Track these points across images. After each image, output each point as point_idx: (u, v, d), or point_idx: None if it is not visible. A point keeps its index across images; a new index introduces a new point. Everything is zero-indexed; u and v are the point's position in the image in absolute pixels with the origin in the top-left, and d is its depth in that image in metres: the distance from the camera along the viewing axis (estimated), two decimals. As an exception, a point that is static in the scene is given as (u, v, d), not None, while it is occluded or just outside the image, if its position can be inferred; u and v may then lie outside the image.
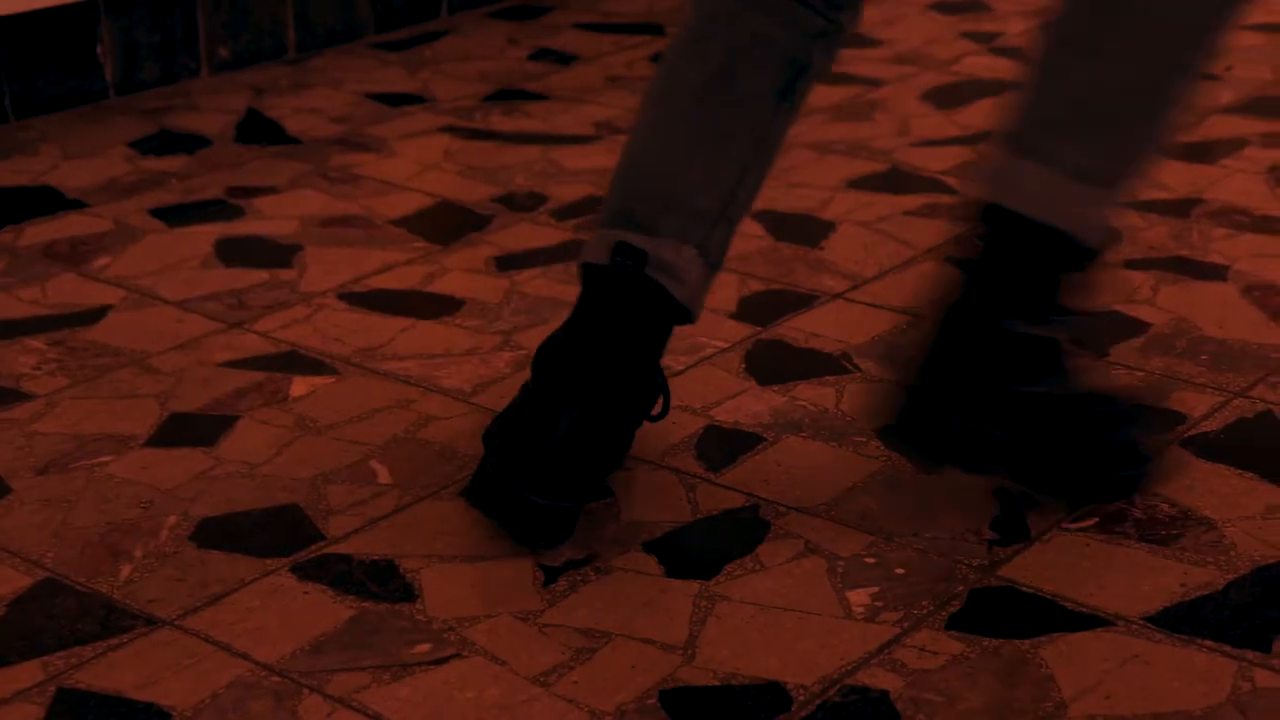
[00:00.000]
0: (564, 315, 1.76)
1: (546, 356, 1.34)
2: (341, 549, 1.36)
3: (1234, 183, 2.06)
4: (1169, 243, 1.90)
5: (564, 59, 2.63)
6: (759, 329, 1.74)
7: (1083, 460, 1.37)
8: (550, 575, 1.32)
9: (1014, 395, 1.33)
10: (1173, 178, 2.08)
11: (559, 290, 1.83)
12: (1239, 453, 1.47)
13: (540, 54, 2.65)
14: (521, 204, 2.07)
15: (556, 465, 1.30)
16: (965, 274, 1.36)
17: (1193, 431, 1.51)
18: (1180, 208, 1.99)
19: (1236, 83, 2.40)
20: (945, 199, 2.05)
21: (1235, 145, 2.17)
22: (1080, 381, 1.36)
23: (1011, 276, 1.32)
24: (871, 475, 1.46)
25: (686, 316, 1.37)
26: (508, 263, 1.91)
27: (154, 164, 2.19)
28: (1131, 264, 1.85)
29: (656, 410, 1.45)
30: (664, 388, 1.39)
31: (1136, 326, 1.71)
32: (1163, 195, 2.03)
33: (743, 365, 1.66)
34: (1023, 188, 1.30)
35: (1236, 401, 1.55)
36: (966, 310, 1.35)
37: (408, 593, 1.30)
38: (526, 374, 1.63)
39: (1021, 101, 1.32)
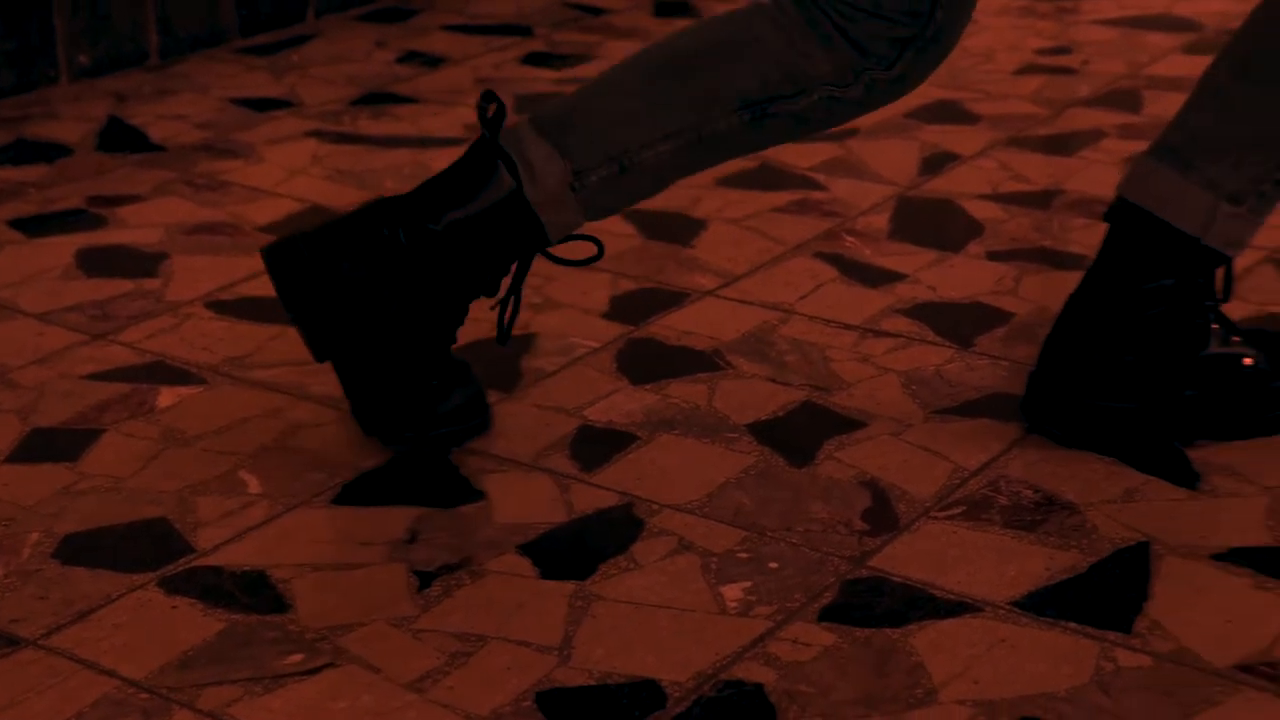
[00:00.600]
0: (435, 319, 1.75)
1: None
2: (211, 561, 1.34)
3: (1092, 173, 2.10)
4: (1031, 234, 1.94)
5: (432, 61, 2.62)
6: (631, 328, 1.74)
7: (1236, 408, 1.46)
8: (424, 580, 1.32)
9: (1141, 367, 1.44)
10: (1033, 170, 2.12)
11: (430, 294, 1.82)
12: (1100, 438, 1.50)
13: (409, 56, 2.64)
14: (391, 208, 2.05)
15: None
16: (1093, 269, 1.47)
17: (1056, 418, 1.54)
18: (1041, 199, 2.03)
19: (1092, 76, 2.45)
20: (815, 195, 2.07)
21: (1093, 137, 2.22)
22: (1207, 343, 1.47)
23: (1136, 270, 1.43)
24: (744, 471, 1.47)
25: (533, 219, 1.40)
26: (377, 267, 1.89)
27: (11, 174, 2.15)
28: (994, 255, 1.88)
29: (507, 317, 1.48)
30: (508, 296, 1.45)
31: (1000, 316, 1.74)
32: (1023, 187, 2.07)
33: (615, 364, 1.67)
34: (1156, 190, 1.41)
35: (1098, 388, 1.58)
36: (1088, 299, 1.45)
37: (279, 603, 1.29)
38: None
39: (1179, 113, 1.44)
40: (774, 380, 1.63)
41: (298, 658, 1.22)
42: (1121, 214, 1.45)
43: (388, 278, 1.41)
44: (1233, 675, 1.18)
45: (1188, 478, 1.43)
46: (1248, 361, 1.47)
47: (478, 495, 1.43)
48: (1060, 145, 2.20)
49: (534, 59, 2.64)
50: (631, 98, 1.39)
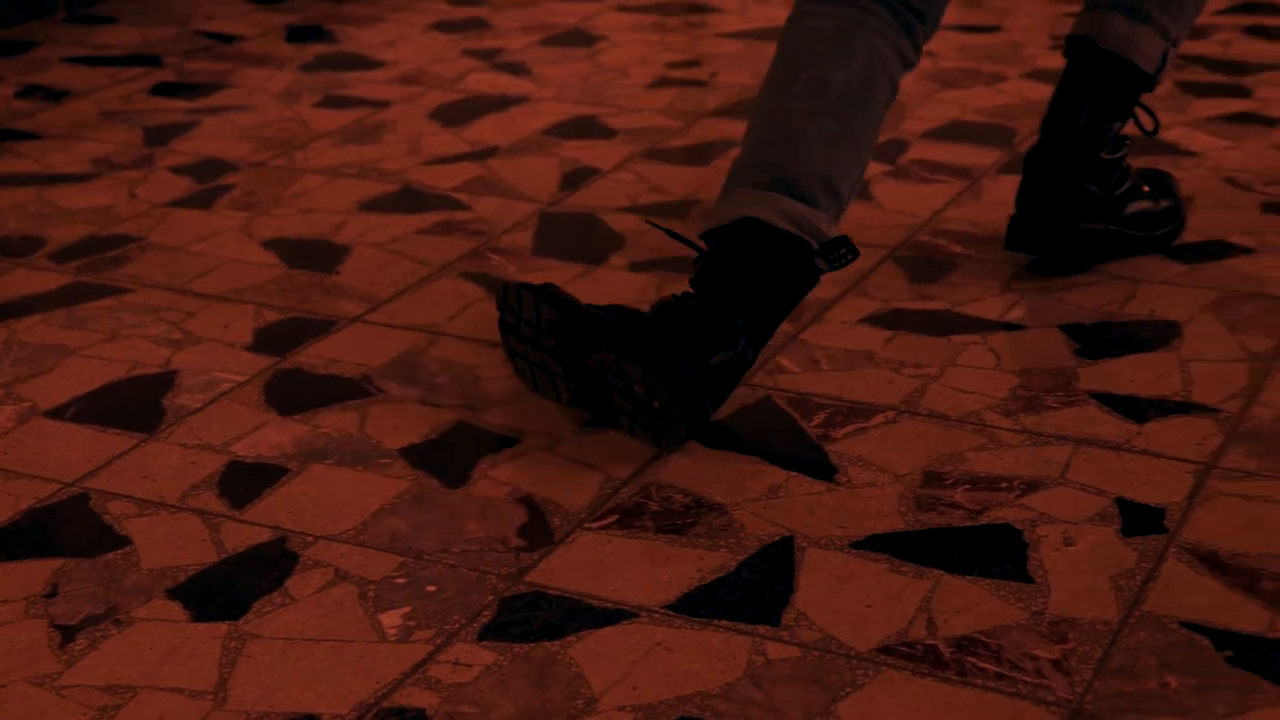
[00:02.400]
0: (71, 363, 1.69)
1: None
2: None
3: (726, 183, 2.17)
4: (669, 243, 1.99)
5: (55, 95, 2.52)
6: (277, 359, 1.72)
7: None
8: (67, 635, 1.27)
9: (1103, 196, 1.81)
10: (670, 181, 2.17)
11: (62, 336, 1.75)
12: (744, 439, 1.55)
13: (28, 91, 2.53)
14: (15, 249, 1.97)
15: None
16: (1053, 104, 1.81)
17: (701, 422, 1.58)
18: (679, 209, 2.08)
19: (722, 88, 2.53)
20: (458, 215, 2.08)
21: (725, 147, 2.29)
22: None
23: (1096, 97, 1.78)
24: (399, 496, 1.46)
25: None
26: (4, 311, 1.81)
27: None
28: (636, 266, 1.92)
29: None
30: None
31: (644, 326, 1.78)
32: (662, 198, 2.12)
33: (262, 397, 1.64)
34: (1113, 32, 1.78)
35: (740, 390, 1.64)
36: (1055, 142, 1.79)
37: (-90, 672, 1.22)
38: (45, 432, 1.57)
39: None
40: (425, 403, 1.63)
41: (-68, 728, 1.16)
42: (1085, 56, 1.78)
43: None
44: (874, 658, 1.24)
45: (826, 471, 1.49)
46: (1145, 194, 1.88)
47: (122, 541, 1.39)
48: (695, 156, 2.26)
49: (164, 89, 2.57)
50: (841, 147, 1.60)
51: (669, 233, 1.59)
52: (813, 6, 1.64)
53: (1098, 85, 1.78)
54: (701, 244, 1.59)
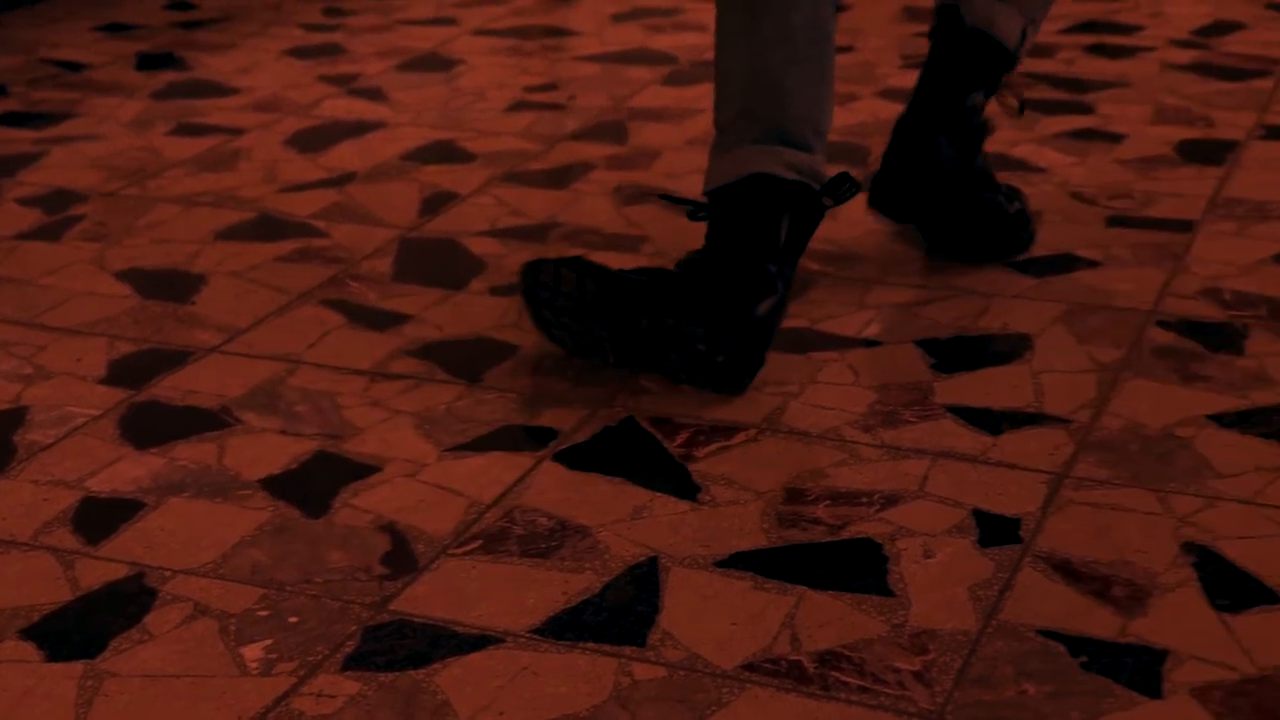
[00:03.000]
0: (-86, 400, 1.65)
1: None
2: None
3: (585, 205, 2.17)
4: (531, 267, 1.99)
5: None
6: (132, 392, 1.69)
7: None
8: (-84, 680, 1.24)
9: (962, 166, 1.91)
10: (529, 204, 2.17)
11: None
12: (607, 460, 1.55)
13: None
14: None
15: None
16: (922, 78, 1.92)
17: (564, 445, 1.58)
18: (538, 232, 2.09)
19: (580, 111, 2.54)
20: (316, 243, 2.06)
21: (583, 169, 2.30)
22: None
23: (957, 67, 1.89)
24: (259, 527, 1.45)
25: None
26: None
27: None
28: (497, 290, 1.92)
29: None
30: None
31: (506, 350, 1.78)
32: (521, 222, 2.12)
33: (117, 431, 1.61)
34: (976, 9, 1.88)
35: (602, 412, 1.64)
36: (923, 110, 1.89)
37: None
38: (-126, 467, 1.52)
39: None
40: (285, 432, 1.61)
41: None
42: (953, 34, 1.89)
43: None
44: (739, 675, 1.25)
45: (689, 490, 1.50)
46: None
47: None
48: (554, 179, 2.26)
49: (10, 119, 2.52)
50: (818, 86, 1.70)
51: (669, 198, 1.70)
52: None
53: (960, 56, 1.90)
54: (702, 201, 1.73)
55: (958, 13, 1.89)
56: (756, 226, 1.65)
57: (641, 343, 1.65)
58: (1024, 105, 1.95)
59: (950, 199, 1.91)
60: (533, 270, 1.67)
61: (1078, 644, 1.27)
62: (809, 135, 1.69)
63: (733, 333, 1.61)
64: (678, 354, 1.63)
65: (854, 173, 2.24)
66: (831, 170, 1.77)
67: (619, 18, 3.04)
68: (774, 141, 1.68)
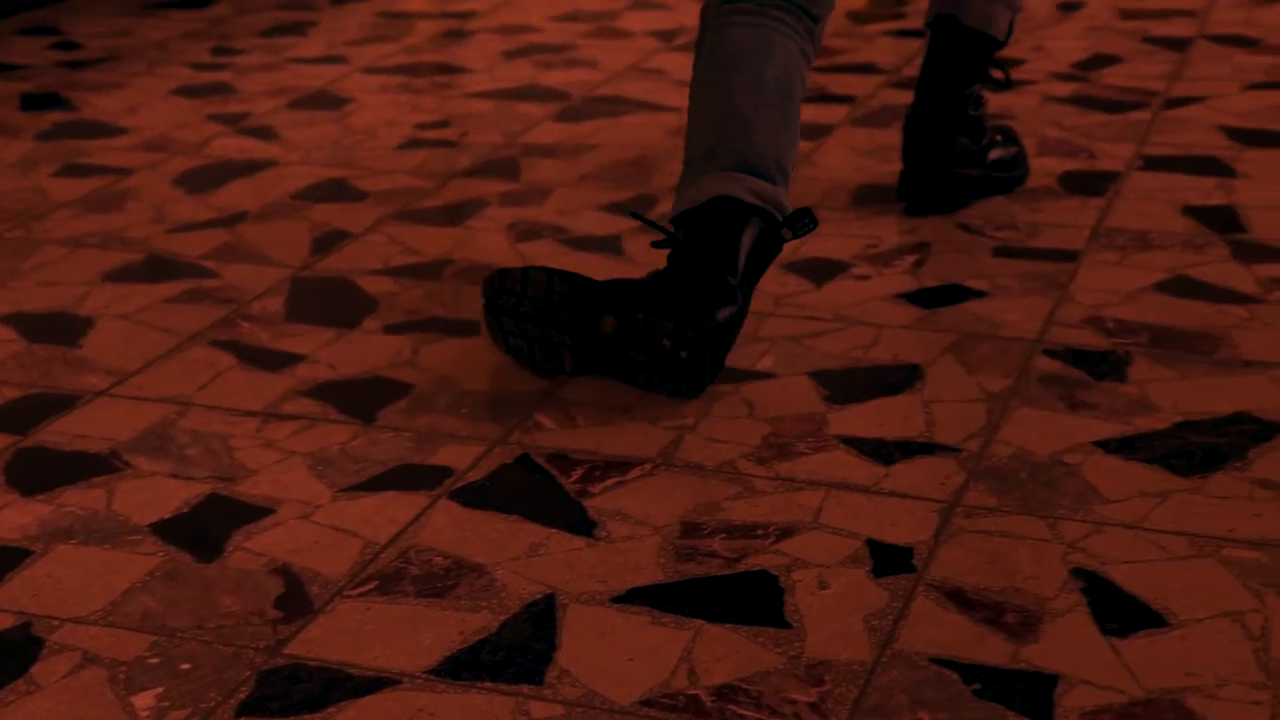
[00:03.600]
0: None
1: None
2: None
3: (480, 241, 2.17)
4: (424, 304, 1.98)
5: None
6: (19, 438, 1.66)
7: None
8: None
9: (972, 146, 2.22)
10: (423, 242, 2.17)
11: None
12: (503, 498, 1.55)
13: None
14: None
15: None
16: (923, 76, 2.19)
17: (460, 484, 1.58)
18: (433, 270, 2.08)
19: (472, 147, 2.54)
20: (206, 283, 2.04)
21: (477, 206, 2.30)
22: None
23: (959, 64, 2.17)
24: (150, 573, 1.43)
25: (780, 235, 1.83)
26: None
27: None
28: (391, 329, 1.92)
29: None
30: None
31: (400, 389, 1.77)
32: (415, 260, 2.11)
33: (3, 478, 1.58)
34: (974, 10, 2.16)
35: (497, 449, 1.64)
36: (930, 103, 2.17)
37: None
38: None
39: None
40: (176, 476, 1.59)
41: None
42: (949, 31, 2.16)
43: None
44: (637, 711, 1.25)
45: (585, 526, 1.50)
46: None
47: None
48: (447, 216, 2.26)
49: (-109, 160, 2.47)
50: (783, 132, 1.83)
51: (640, 218, 1.79)
52: (733, 18, 1.86)
53: (961, 55, 2.16)
54: (669, 229, 1.85)
55: (954, 19, 2.15)
56: (718, 242, 1.75)
57: (602, 345, 1.74)
58: (1009, 76, 2.25)
59: (973, 176, 2.22)
60: (498, 277, 1.75)
61: (971, 671, 1.29)
62: (772, 168, 1.80)
63: (698, 330, 1.68)
64: (642, 353, 1.70)
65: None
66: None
67: (510, 54, 3.05)
68: (738, 170, 1.79)
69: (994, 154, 2.25)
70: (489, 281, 1.76)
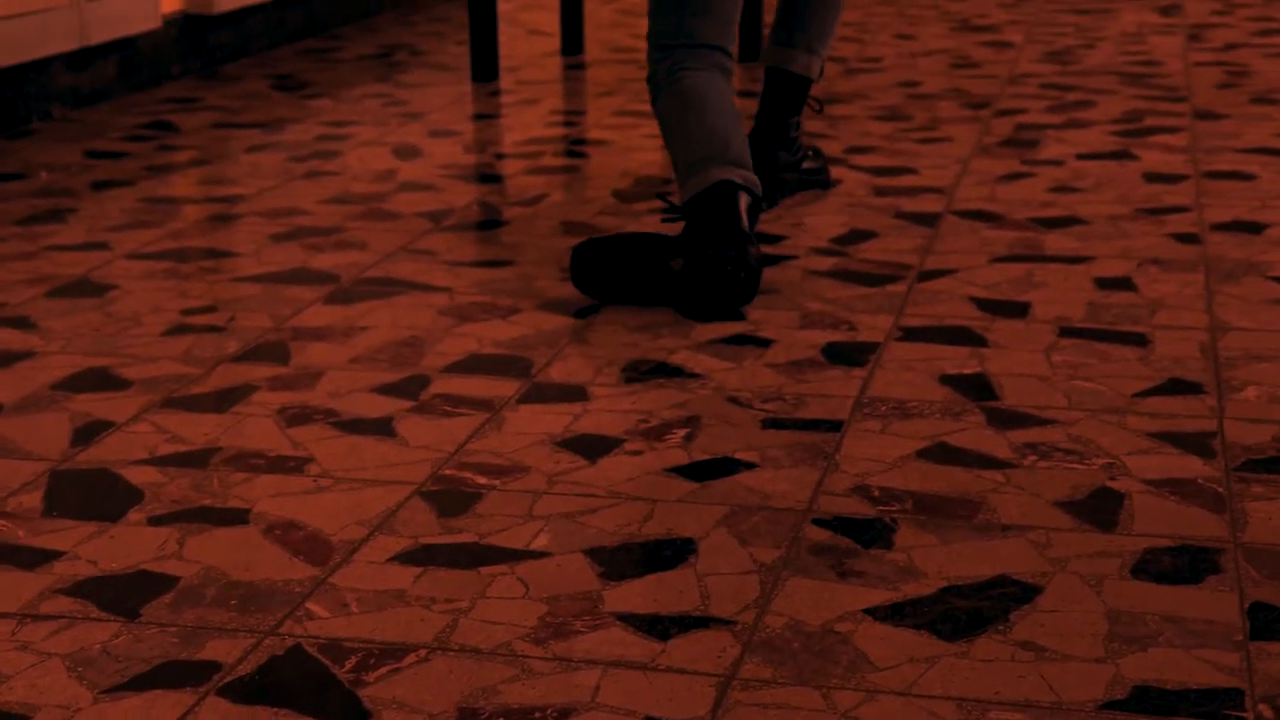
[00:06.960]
0: None
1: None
2: None
3: (247, 428, 2.14)
4: (191, 494, 1.94)
5: None
6: None
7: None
8: None
9: (792, 165, 3.22)
10: (190, 430, 2.13)
11: None
12: (274, 691, 1.51)
13: None
14: None
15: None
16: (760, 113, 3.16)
17: (228, 679, 1.53)
18: (200, 458, 2.04)
19: (240, 332, 2.52)
20: (-42, 479, 1.96)
21: (245, 392, 2.27)
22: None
23: (786, 103, 3.13)
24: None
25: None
26: None
27: None
28: (155, 520, 1.87)
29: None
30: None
31: (166, 583, 1.72)
32: (182, 448, 2.07)
33: None
34: (798, 63, 3.09)
35: (268, 641, 1.60)
36: (764, 124, 3.15)
37: None
38: None
39: (780, 15, 3.10)
40: (-76, 684, 1.51)
41: None
42: (779, 79, 3.09)
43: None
44: None
45: (360, 717, 1.47)
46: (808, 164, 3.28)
47: None
48: (214, 403, 2.22)
49: None
50: (736, 131, 2.68)
51: (663, 199, 2.67)
52: (682, 75, 2.69)
53: (788, 96, 3.11)
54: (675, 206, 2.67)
55: (785, 70, 3.07)
56: (726, 207, 2.58)
57: (671, 283, 2.56)
58: (821, 106, 3.33)
59: (790, 180, 3.20)
60: (584, 248, 2.61)
61: (752, 847, 1.28)
62: (746, 161, 2.64)
63: (748, 254, 2.55)
64: (709, 281, 2.54)
65: (517, 385, 2.27)
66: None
67: (278, 237, 3.04)
68: (729, 164, 2.62)
69: (806, 164, 3.20)
70: (577, 251, 2.62)
